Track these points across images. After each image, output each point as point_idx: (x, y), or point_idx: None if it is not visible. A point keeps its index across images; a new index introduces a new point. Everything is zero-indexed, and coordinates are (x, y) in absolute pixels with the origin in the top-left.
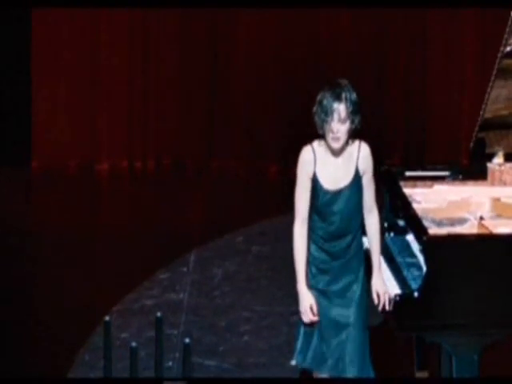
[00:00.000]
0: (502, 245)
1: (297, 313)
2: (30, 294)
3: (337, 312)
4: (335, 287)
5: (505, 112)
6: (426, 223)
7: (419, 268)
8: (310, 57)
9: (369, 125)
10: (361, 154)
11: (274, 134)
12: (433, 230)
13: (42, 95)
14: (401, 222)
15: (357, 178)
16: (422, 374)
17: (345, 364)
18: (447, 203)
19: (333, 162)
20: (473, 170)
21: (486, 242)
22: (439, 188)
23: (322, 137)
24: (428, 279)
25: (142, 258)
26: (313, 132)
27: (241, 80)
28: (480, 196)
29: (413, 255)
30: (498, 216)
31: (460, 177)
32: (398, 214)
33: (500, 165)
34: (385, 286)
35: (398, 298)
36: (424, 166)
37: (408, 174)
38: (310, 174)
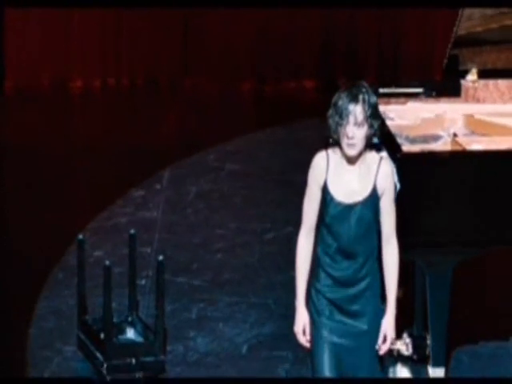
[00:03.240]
0: (475, 161)
1: (270, 230)
2: (2, 212)
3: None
4: (346, 326)
5: (479, 29)
6: (399, 140)
7: None
8: None
9: (342, 43)
10: (381, 170)
11: (248, 51)
12: (406, 147)
13: (15, 14)
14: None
15: (373, 196)
16: None
17: (359, 370)
18: (421, 120)
19: (347, 172)
20: (446, 86)
21: (460, 158)
22: (413, 105)
23: (337, 144)
24: (402, 196)
25: (115, 175)
26: (289, 51)
27: None
28: (454, 113)
29: None
30: (472, 133)
31: (434, 94)
32: None
33: (474, 82)
34: (394, 332)
35: None
36: (397, 82)
37: (381, 91)
38: (321, 183)
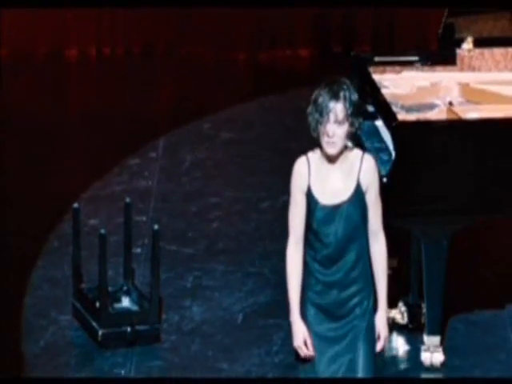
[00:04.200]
0: (470, 130)
1: (266, 199)
2: None
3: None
4: (336, 332)
5: None
6: (395, 109)
7: (388, 153)
8: None
9: (337, 11)
10: (363, 167)
11: (243, 19)
12: (402, 116)
13: None
14: (370, 108)
15: (358, 193)
16: (390, 262)
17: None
18: (416, 89)
19: (330, 172)
20: (442, 55)
21: (455, 127)
22: (408, 74)
23: (317, 145)
24: (397, 165)
25: (110, 144)
26: (284, 19)
27: None
28: (449, 81)
29: (382, 141)
30: (467, 101)
31: (429, 62)
32: (367, 99)
33: (469, 50)
34: (387, 329)
35: None
36: (393, 51)
37: (377, 59)
38: (304, 189)
